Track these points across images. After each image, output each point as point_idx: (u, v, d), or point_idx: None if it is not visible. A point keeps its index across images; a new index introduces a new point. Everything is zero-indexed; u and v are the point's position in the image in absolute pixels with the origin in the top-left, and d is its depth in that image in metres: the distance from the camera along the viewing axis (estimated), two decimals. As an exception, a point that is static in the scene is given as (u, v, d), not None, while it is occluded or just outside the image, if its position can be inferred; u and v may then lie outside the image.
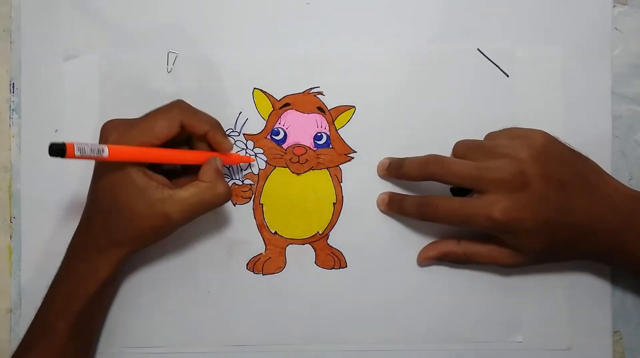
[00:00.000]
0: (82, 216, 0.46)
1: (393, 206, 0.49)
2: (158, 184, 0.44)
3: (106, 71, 0.51)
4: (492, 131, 0.48)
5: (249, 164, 0.51)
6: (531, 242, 0.44)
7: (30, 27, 0.51)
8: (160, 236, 0.46)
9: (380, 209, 0.50)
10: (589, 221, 0.44)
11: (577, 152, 0.46)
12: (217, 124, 0.47)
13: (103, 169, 0.44)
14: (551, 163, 0.44)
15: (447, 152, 0.50)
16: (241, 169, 0.51)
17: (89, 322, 0.47)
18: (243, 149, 0.51)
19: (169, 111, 0.45)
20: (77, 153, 0.39)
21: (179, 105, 0.46)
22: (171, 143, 0.45)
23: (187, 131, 0.46)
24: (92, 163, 0.46)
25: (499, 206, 0.43)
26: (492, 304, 0.51)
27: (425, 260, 0.50)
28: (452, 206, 0.45)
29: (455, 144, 0.48)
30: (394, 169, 0.49)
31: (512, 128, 0.48)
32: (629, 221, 0.44)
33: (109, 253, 0.45)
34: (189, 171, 0.47)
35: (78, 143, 0.39)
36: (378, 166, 0.50)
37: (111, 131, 0.44)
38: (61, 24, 0.51)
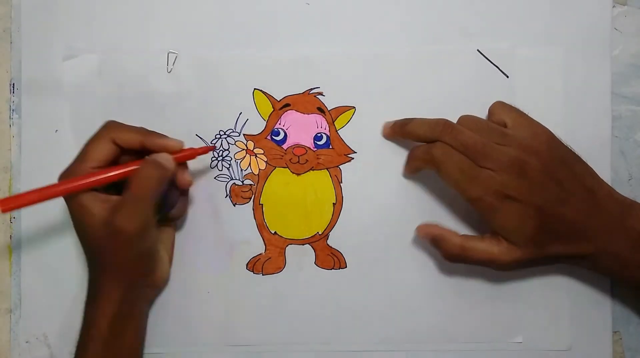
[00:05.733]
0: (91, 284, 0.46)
1: (397, 127, 0.49)
2: (95, 200, 0.44)
3: (106, 70, 0.51)
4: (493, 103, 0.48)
5: (249, 164, 0.51)
6: (521, 227, 0.45)
7: (30, 27, 0.51)
8: (147, 244, 0.46)
9: (383, 135, 0.50)
10: (580, 218, 0.45)
11: (577, 155, 0.47)
12: (147, 132, 0.46)
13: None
14: (552, 160, 0.45)
15: (447, 152, 0.50)
16: (241, 170, 0.51)
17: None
18: (243, 149, 0.51)
19: (99, 133, 0.45)
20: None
21: (107, 126, 0.46)
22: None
23: (124, 147, 0.45)
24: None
25: (498, 180, 0.44)
26: (492, 304, 0.51)
27: (424, 234, 0.48)
28: (456, 160, 0.45)
29: (461, 117, 0.47)
30: (399, 127, 0.49)
31: (517, 113, 0.47)
32: (618, 224, 0.45)
33: (127, 298, 0.45)
34: None
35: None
36: (383, 126, 0.50)
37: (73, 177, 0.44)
38: (61, 24, 0.51)
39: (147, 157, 0.45)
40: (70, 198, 0.44)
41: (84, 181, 0.44)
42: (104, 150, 0.45)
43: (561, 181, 0.45)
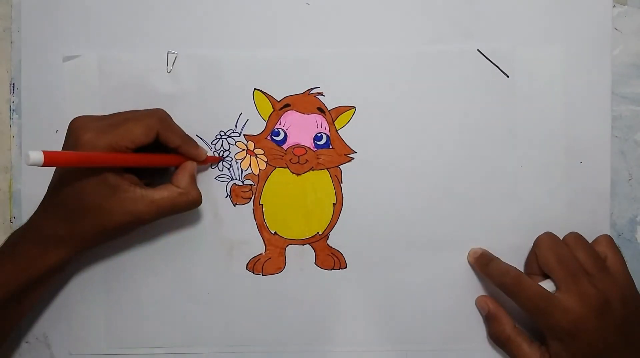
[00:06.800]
0: (44, 201, 0.46)
1: (479, 262, 0.50)
2: (130, 184, 0.44)
3: (106, 71, 0.51)
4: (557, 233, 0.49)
5: (250, 164, 0.51)
6: (579, 352, 0.45)
7: (30, 27, 0.51)
8: (123, 234, 0.47)
9: (468, 261, 0.50)
10: None
11: None
12: (187, 138, 0.48)
13: None
14: (632, 316, 0.45)
15: (446, 152, 0.50)
16: (241, 170, 0.51)
17: (18, 306, 0.46)
18: (244, 149, 0.51)
19: (148, 118, 0.45)
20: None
21: (158, 115, 0.46)
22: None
23: (160, 141, 0.46)
24: None
25: (577, 310, 0.44)
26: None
27: (481, 305, 0.50)
28: (534, 291, 0.46)
29: (540, 238, 0.48)
30: (481, 264, 0.49)
31: (620, 257, 0.48)
32: None
33: (66, 245, 0.45)
34: (159, 170, 0.48)
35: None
36: (469, 253, 0.50)
37: (85, 130, 0.43)
38: (61, 24, 0.51)
39: (189, 164, 0.47)
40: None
41: (137, 159, 0.44)
42: (147, 137, 0.44)
43: (629, 338, 0.45)
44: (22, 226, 0.46)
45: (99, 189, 0.43)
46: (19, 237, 0.45)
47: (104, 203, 0.43)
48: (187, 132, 0.48)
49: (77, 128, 0.44)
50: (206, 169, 0.51)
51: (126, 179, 0.44)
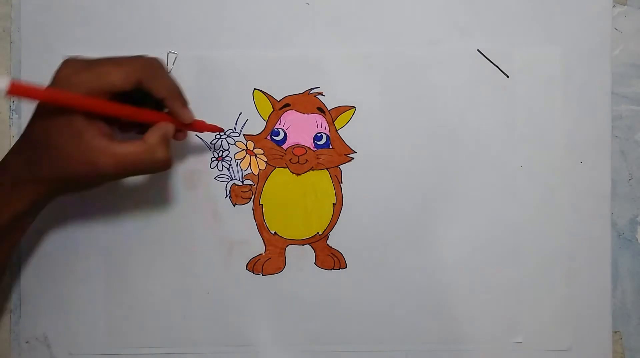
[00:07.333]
0: (17, 141, 0.44)
1: None
2: (97, 132, 0.41)
3: (106, 71, 0.51)
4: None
5: (249, 164, 0.51)
6: None
7: (30, 27, 0.51)
8: (84, 186, 0.44)
9: None
10: None
11: None
12: (176, 93, 0.44)
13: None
14: None
15: (445, 152, 0.50)
16: (241, 170, 0.51)
17: None
18: (243, 149, 0.51)
19: (130, 64, 0.42)
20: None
21: (144, 61, 0.42)
22: (139, 97, 0.43)
23: (145, 91, 0.43)
24: None
25: None
26: (492, 304, 0.51)
27: None
28: None
29: None
30: None
31: None
32: None
33: (25, 187, 0.42)
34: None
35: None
36: None
37: (66, 66, 0.41)
38: (61, 24, 0.51)
39: (164, 123, 0.43)
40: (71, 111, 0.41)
41: (104, 105, 0.40)
42: (124, 83, 0.41)
43: None
44: None
45: (62, 131, 0.40)
46: None
47: (64, 147, 0.40)
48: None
49: (61, 65, 0.42)
50: (206, 169, 0.51)
51: (94, 127, 0.41)
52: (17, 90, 0.37)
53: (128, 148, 0.41)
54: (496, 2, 0.51)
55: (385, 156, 0.51)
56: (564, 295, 0.51)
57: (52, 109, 0.41)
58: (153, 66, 0.43)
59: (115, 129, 0.45)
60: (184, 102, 0.45)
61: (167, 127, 0.43)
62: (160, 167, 0.43)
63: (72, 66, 0.41)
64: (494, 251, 0.50)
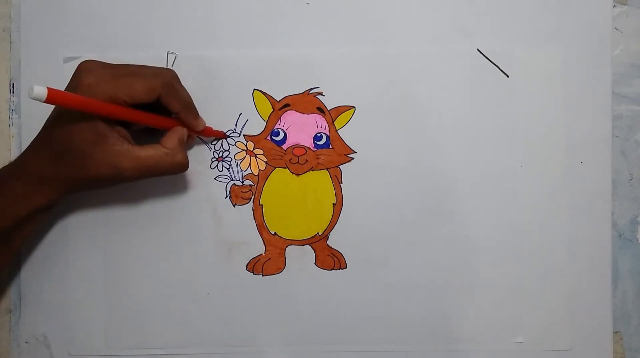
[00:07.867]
0: (35, 140, 0.45)
1: None
2: (118, 136, 0.44)
3: (106, 71, 0.51)
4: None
5: (249, 164, 0.51)
6: None
7: (30, 27, 0.51)
8: (105, 186, 0.47)
9: None
10: None
11: None
12: (189, 107, 0.47)
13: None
14: None
15: (446, 152, 0.50)
16: (241, 170, 0.51)
17: (7, 245, 0.46)
18: (243, 150, 0.51)
19: (153, 79, 0.45)
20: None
21: (164, 77, 0.45)
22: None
23: (161, 104, 0.46)
24: None
25: None
26: (492, 304, 0.51)
27: None
28: None
29: None
30: None
31: None
32: None
33: (50, 185, 0.44)
34: (154, 133, 0.48)
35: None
36: None
37: (88, 74, 0.43)
38: (61, 24, 0.51)
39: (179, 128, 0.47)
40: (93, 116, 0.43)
41: (133, 114, 0.44)
42: (147, 97, 0.44)
43: None
44: (10, 163, 0.46)
45: (87, 136, 0.43)
46: (4, 173, 0.46)
47: (89, 150, 0.43)
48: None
49: (82, 71, 0.44)
50: (206, 169, 0.51)
51: (116, 132, 0.44)
52: (54, 98, 0.39)
53: (149, 152, 0.45)
54: (496, 2, 0.51)
55: (385, 156, 0.51)
56: (564, 295, 0.51)
57: (74, 113, 0.43)
58: (171, 83, 0.46)
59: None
60: (196, 114, 0.48)
61: (183, 131, 0.47)
62: (180, 169, 0.46)
63: (95, 75, 0.43)
64: (494, 251, 0.50)
